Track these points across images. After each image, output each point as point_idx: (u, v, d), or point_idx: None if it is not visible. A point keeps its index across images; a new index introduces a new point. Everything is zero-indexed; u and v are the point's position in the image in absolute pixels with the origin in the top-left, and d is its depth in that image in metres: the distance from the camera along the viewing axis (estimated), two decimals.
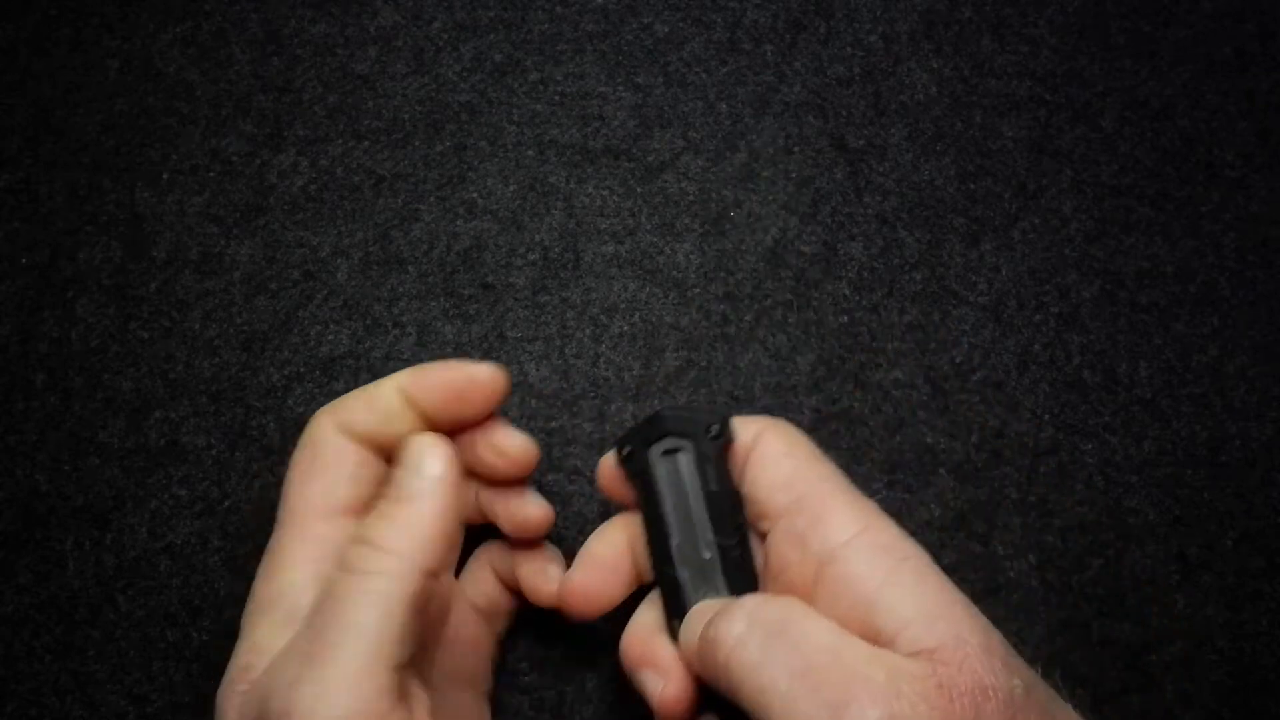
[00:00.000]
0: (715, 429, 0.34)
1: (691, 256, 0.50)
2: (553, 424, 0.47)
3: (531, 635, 0.44)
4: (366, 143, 0.52)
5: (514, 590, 0.41)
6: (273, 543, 0.35)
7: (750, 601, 0.31)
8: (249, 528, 0.45)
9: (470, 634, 0.39)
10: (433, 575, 0.32)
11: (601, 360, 0.48)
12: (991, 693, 0.27)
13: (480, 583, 0.41)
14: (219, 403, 0.47)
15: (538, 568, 0.39)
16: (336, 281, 0.49)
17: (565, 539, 0.45)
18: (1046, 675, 0.31)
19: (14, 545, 0.45)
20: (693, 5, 0.55)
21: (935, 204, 0.51)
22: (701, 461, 0.34)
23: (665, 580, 0.35)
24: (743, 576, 0.34)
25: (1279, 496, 0.46)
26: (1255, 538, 0.46)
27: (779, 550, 0.33)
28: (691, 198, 0.51)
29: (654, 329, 0.49)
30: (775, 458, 0.34)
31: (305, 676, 0.29)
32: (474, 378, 0.35)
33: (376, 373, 0.47)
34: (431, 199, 0.51)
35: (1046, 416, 0.47)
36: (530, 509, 0.38)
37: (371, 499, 0.35)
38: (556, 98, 0.53)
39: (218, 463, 0.46)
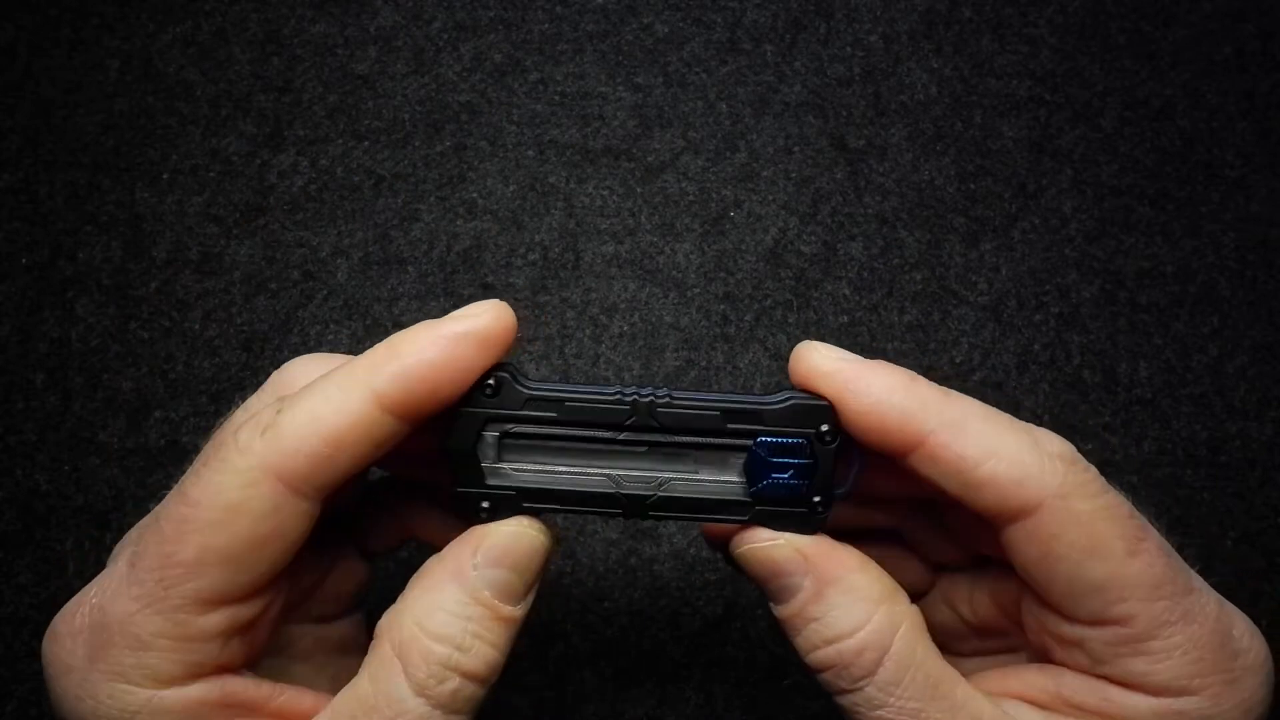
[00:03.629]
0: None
1: (691, 256, 0.50)
2: None
3: (532, 635, 0.44)
4: (366, 143, 0.52)
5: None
6: None
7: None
8: None
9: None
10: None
11: (601, 360, 0.48)
12: None
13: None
14: (219, 403, 0.47)
15: None
16: (336, 281, 0.49)
17: (564, 539, 0.45)
18: None
19: (14, 545, 0.45)
20: (693, 5, 0.55)
21: (935, 204, 0.51)
22: None
23: None
24: None
25: (1279, 496, 0.46)
26: (1255, 538, 0.46)
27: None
28: (691, 198, 0.51)
29: (654, 329, 0.49)
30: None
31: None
32: (473, 337, 0.26)
33: None
34: (431, 199, 0.51)
35: (1046, 417, 0.47)
36: None
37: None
38: (556, 98, 0.53)
39: None
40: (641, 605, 0.44)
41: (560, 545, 0.27)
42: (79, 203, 0.50)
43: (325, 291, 0.49)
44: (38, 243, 0.50)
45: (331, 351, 0.48)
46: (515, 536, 0.26)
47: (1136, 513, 0.27)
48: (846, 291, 0.49)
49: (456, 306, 0.48)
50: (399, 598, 0.26)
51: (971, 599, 0.31)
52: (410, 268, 0.49)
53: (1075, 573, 0.26)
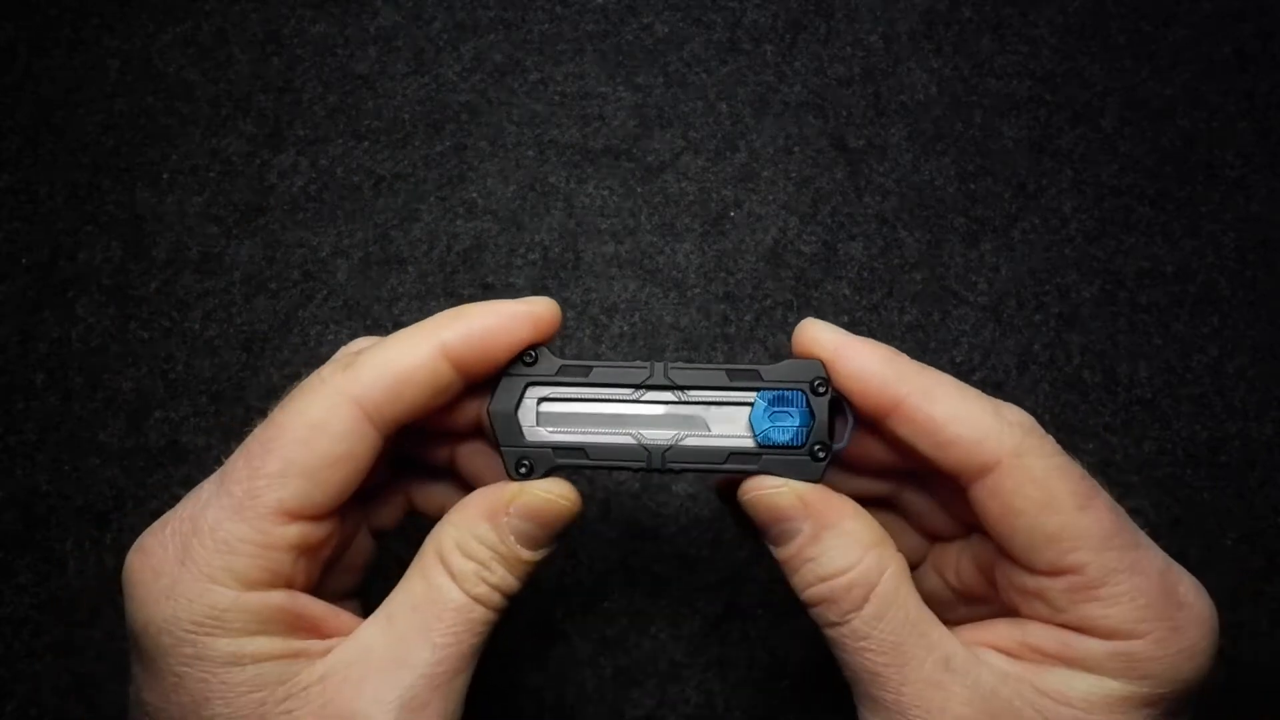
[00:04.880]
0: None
1: (691, 256, 0.50)
2: None
3: (531, 635, 0.44)
4: (366, 143, 0.52)
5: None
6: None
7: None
8: None
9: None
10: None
11: (602, 360, 0.48)
12: None
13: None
14: (219, 403, 0.47)
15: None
16: (336, 281, 0.49)
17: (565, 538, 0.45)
18: None
19: (14, 545, 0.45)
20: (693, 5, 0.55)
21: (935, 204, 0.51)
22: None
23: None
24: None
25: (1279, 496, 0.46)
26: (1255, 538, 0.46)
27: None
28: (691, 198, 0.51)
29: (654, 329, 0.49)
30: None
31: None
32: (529, 316, 0.30)
33: None
34: (431, 199, 0.51)
35: (1046, 417, 0.47)
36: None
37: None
38: (556, 98, 0.53)
39: (218, 463, 0.45)
40: (641, 605, 0.44)
41: (582, 510, 0.31)
42: (79, 203, 0.50)
43: (325, 291, 0.49)
44: (38, 243, 0.50)
45: (330, 352, 0.48)
46: (546, 500, 0.30)
47: (1088, 475, 0.29)
48: (846, 291, 0.49)
49: (456, 306, 0.49)
50: (444, 517, 0.30)
51: (958, 565, 0.34)
52: (410, 268, 0.49)
53: (1032, 525, 0.28)
